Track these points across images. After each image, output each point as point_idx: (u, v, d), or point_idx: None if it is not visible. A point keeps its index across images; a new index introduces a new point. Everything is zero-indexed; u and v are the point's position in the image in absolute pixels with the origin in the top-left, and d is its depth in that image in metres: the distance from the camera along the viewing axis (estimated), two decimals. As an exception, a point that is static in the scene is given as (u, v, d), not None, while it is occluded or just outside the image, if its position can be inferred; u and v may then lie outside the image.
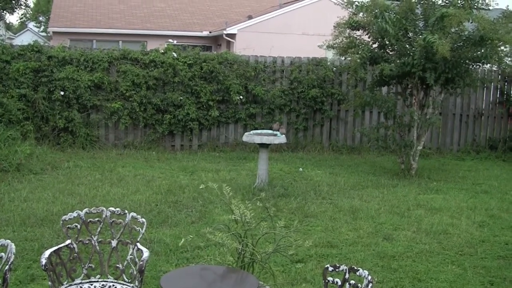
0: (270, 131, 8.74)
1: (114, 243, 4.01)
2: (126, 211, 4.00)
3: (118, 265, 3.97)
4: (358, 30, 9.90)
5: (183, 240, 4.24)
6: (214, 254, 5.24)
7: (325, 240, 6.13)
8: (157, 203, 7.40)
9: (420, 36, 8.94)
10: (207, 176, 9.18)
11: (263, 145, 8.35)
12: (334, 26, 10.06)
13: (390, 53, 9.82)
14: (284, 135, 8.41)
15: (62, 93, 10.91)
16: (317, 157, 11.43)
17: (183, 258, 5.45)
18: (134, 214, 3.97)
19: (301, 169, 10.09)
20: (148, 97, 11.31)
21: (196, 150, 11.73)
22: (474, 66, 9.86)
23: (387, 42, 9.60)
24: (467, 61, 9.47)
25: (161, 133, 11.54)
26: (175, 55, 11.45)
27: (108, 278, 3.99)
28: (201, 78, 11.59)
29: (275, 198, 7.82)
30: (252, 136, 8.30)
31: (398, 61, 9.35)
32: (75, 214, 3.90)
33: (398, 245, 6.11)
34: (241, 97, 11.72)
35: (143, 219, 3.93)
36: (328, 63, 12.14)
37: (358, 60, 9.49)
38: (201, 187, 4.39)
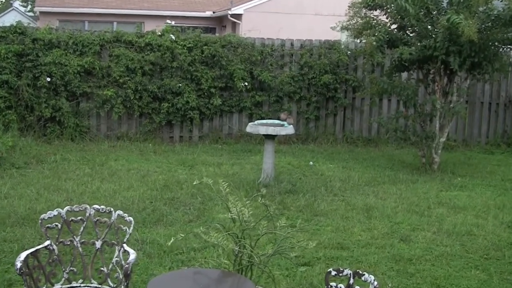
0: (277, 121, 8.73)
1: (98, 244, 4.00)
2: (112, 209, 3.98)
3: (102, 269, 3.96)
4: (375, 10, 9.83)
5: (172, 239, 4.20)
6: (212, 256, 5.23)
7: (335, 241, 6.11)
8: (151, 200, 7.41)
9: (444, 16, 8.85)
10: (208, 171, 9.20)
11: (269, 137, 8.33)
12: (348, 6, 9.99)
13: (410, 35, 9.75)
14: (292, 126, 8.41)
15: (48, 79, 10.93)
16: (330, 149, 11.41)
17: (177, 261, 5.44)
18: (121, 212, 3.95)
19: (311, 163, 10.08)
20: (144, 83, 11.31)
21: (197, 142, 11.75)
22: (505, 49, 9.75)
23: (407, 23, 9.51)
24: (496, 44, 9.36)
25: (158, 123, 11.56)
26: (173, 37, 11.46)
27: (92, 283, 3.99)
28: (202, 63, 11.58)
29: (281, 194, 7.82)
30: (257, 127, 8.28)
31: (419, 44, 9.27)
32: (55, 212, 3.88)
33: (416, 247, 6.07)
34: (246, 83, 11.72)
35: (130, 218, 3.92)
36: (342, 46, 12.12)
37: (374, 43, 9.43)
38: (195, 183, 4.36)
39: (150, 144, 11.22)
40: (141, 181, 8.37)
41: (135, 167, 9.30)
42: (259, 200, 4.13)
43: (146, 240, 5.94)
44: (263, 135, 8.36)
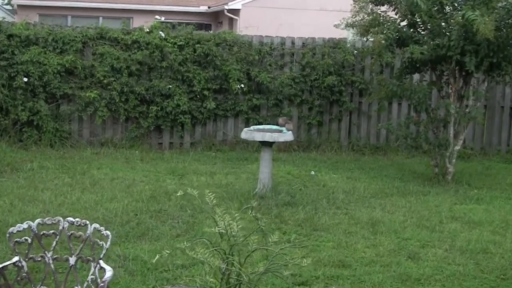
0: (275, 127, 8.75)
1: (72, 260, 3.99)
2: (87, 222, 3.97)
3: (76, 287, 3.95)
4: (383, 5, 9.83)
5: (157, 256, 4.19)
6: (200, 274, 5.20)
7: (336, 259, 6.09)
8: (136, 213, 7.41)
9: (459, 12, 8.86)
10: (200, 180, 9.22)
11: (266, 144, 8.33)
12: (354, 1, 10.00)
13: (422, 33, 9.76)
14: (291, 132, 8.42)
15: (25, 79, 10.97)
16: (333, 158, 11.44)
17: (162, 279, 5.44)
18: (97, 225, 3.94)
19: (313, 172, 10.09)
20: (131, 85, 11.35)
21: (188, 148, 11.77)
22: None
23: (418, 20, 9.54)
24: (517, 42, 9.37)
25: (146, 129, 11.60)
26: (163, 34, 11.50)
27: (65, 303, 3.97)
28: (194, 62, 11.62)
29: (279, 207, 7.81)
30: (252, 133, 8.29)
31: (431, 42, 9.28)
32: (25, 225, 3.87)
33: (426, 265, 6.06)
34: (242, 85, 11.76)
35: (108, 232, 3.90)
36: (348, 45, 12.16)
37: (383, 42, 9.43)
38: (179, 194, 4.37)
39: (137, 151, 11.23)
40: (125, 191, 8.37)
41: (120, 176, 9.31)
42: (249, 213, 4.10)
43: (128, 256, 5.92)
44: (259, 142, 8.36)
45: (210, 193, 4.18)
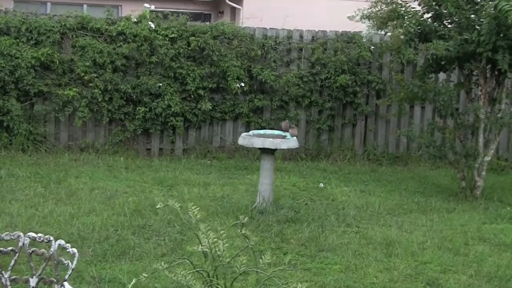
0: (278, 132, 8.76)
1: (33, 282, 3.97)
2: (51, 238, 3.95)
3: (37, 313, 3.93)
4: (404, -5, 9.85)
5: (134, 280, 4.16)
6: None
7: (343, 284, 6.06)
8: (117, 228, 7.41)
9: (491, 3, 8.83)
10: (191, 192, 9.23)
11: (267, 151, 8.31)
12: (371, -11, 10.01)
13: (448, 26, 9.74)
14: (295, 138, 8.39)
15: (-6, 74, 10.98)
16: (346, 168, 11.43)
17: (140, 305, 5.43)
18: (62, 242, 3.93)
19: (321, 184, 10.09)
20: (115, 82, 11.37)
21: (180, 156, 11.79)
22: None
23: (443, 11, 9.50)
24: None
25: (133, 132, 11.62)
26: (153, 25, 11.50)
27: (24, 331, 3.95)
28: (188, 57, 11.65)
29: (280, 223, 7.80)
30: (251, 138, 8.27)
31: (458, 37, 9.25)
32: (-21, 241, 3.85)
33: (446, 294, 6.02)
34: (243, 84, 11.76)
35: (74, 250, 3.88)
36: (364, 40, 12.16)
37: (402, 37, 9.40)
38: (158, 206, 4.34)
39: (122, 158, 11.24)
40: (106, 203, 8.38)
41: (101, 186, 9.32)
42: (239, 230, 4.08)
43: (104, 278, 5.90)
44: (259, 149, 8.35)
45: (195, 207, 4.17)
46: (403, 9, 9.75)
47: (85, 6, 20.81)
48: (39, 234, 4.01)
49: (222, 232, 3.99)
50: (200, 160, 11.58)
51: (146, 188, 9.40)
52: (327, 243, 7.21)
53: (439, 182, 10.70)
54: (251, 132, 8.66)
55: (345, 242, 7.30)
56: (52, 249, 3.93)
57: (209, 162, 11.49)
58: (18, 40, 11.12)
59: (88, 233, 7.10)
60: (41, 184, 9.21)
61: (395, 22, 9.55)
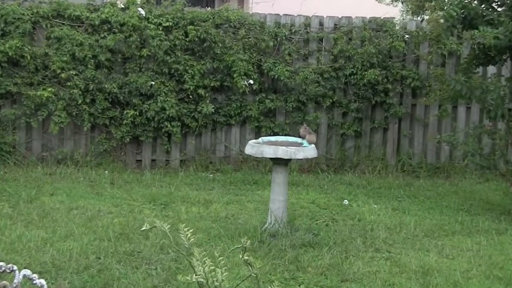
0: (293, 139, 8.73)
1: (-8, 321, 3.89)
2: (15, 268, 3.90)
3: None
4: (444, -28, 9.78)
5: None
6: None
7: (371, 322, 5.99)
8: (99, 255, 7.38)
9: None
10: (190, 212, 9.22)
11: (280, 162, 8.27)
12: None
13: (498, 9, 9.69)
14: (313, 145, 8.34)
15: (-48, 72, 11.07)
16: (376, 182, 11.40)
17: None
18: (28, 272, 3.89)
19: (346, 201, 10.06)
20: (98, 80, 11.39)
21: (177, 168, 11.82)
22: None
23: (493, -9, 9.45)
24: None
25: (120, 140, 11.66)
26: (143, 12, 11.53)
27: None
28: (185, 50, 11.68)
29: (296, 248, 7.74)
30: (261, 146, 8.22)
31: (510, 22, 9.17)
32: None
33: (496, 333, 5.95)
34: (252, 82, 11.75)
35: (42, 281, 3.85)
36: (397, 28, 12.11)
37: (442, 21, 9.31)
38: (143, 229, 4.29)
39: (106, 171, 11.26)
40: (86, 226, 8.36)
41: (80, 205, 9.30)
42: (240, 256, 3.99)
43: (83, 316, 5.92)
44: (271, 159, 8.31)
45: (187, 228, 4.11)
46: (443, -11, 9.72)
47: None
48: (1, 263, 3.94)
49: (220, 258, 3.91)
50: (201, 173, 11.58)
51: (135, 207, 9.38)
52: (352, 272, 7.15)
53: (488, 197, 10.65)
54: (260, 139, 8.62)
55: (373, 270, 7.24)
56: (15, 281, 3.88)
57: (211, 175, 11.48)
58: (-20, 31, 11.21)
59: (65, 262, 7.06)
60: (8, 204, 9.20)
61: (433, 3, 9.48)
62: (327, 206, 9.80)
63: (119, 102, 11.52)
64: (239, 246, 4.05)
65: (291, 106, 11.92)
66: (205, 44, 11.58)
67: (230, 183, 10.96)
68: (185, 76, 11.55)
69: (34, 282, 3.87)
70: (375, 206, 9.86)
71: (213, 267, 3.86)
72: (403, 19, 11.85)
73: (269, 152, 8.10)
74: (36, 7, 11.33)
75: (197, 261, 3.90)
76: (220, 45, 11.59)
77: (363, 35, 11.98)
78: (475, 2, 9.66)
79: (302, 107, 12.01)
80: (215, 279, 3.86)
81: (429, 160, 12.31)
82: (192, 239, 4.03)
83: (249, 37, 11.75)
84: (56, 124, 11.26)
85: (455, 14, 9.37)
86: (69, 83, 11.27)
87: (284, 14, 12.19)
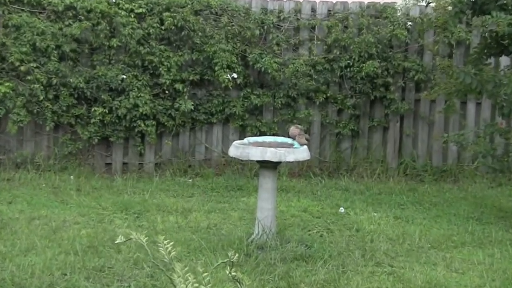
0: (282, 139, 8.71)
1: None
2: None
3: None
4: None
5: None
6: None
7: None
8: (65, 271, 7.31)
9: None
10: (166, 221, 9.24)
11: (267, 165, 8.22)
12: None
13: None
14: (305, 147, 8.31)
15: None
16: (375, 187, 11.44)
17: None
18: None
19: (342, 209, 10.06)
20: (63, 74, 11.39)
21: (151, 172, 11.89)
22: None
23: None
24: None
25: (87, 141, 11.69)
26: (113, -3, 11.61)
27: None
28: (161, 40, 11.78)
29: (287, 262, 7.69)
30: (246, 148, 8.16)
31: (526, 7, 9.16)
32: None
33: None
34: (235, 75, 11.78)
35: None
36: (398, 14, 12.14)
37: (450, 8, 9.24)
38: (116, 242, 4.22)
39: (72, 177, 11.28)
40: (50, 238, 8.31)
41: (43, 215, 9.29)
42: (227, 272, 3.96)
43: None
44: (258, 162, 8.27)
45: (168, 240, 4.03)
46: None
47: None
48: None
49: (205, 274, 3.83)
50: (178, 178, 11.62)
51: (105, 216, 9.38)
52: (350, 288, 7.18)
53: (501, 204, 10.66)
54: (246, 140, 8.58)
55: (374, 286, 7.19)
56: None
57: (190, 180, 11.52)
58: None
59: (26, 279, 7.00)
60: (-40, 213, 9.28)
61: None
62: (321, 214, 9.79)
63: (86, 99, 11.54)
64: (226, 260, 4.06)
65: (279, 102, 11.95)
66: (182, 33, 11.63)
67: (212, 189, 10.99)
68: (160, 69, 11.59)
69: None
70: (375, 214, 9.86)
71: (196, 285, 3.79)
72: (406, 4, 11.91)
73: (256, 154, 8.03)
74: (-10, -9, 11.43)
75: (179, 277, 3.79)
76: (199, 34, 11.64)
77: (360, 22, 12.01)
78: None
79: (292, 103, 12.04)
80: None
81: (434, 163, 12.33)
82: (173, 253, 3.94)
83: (233, 25, 11.80)
84: (15, 123, 11.27)
85: (463, -1, 9.38)
86: (29, 77, 11.28)
87: (272, -1, 12.24)
